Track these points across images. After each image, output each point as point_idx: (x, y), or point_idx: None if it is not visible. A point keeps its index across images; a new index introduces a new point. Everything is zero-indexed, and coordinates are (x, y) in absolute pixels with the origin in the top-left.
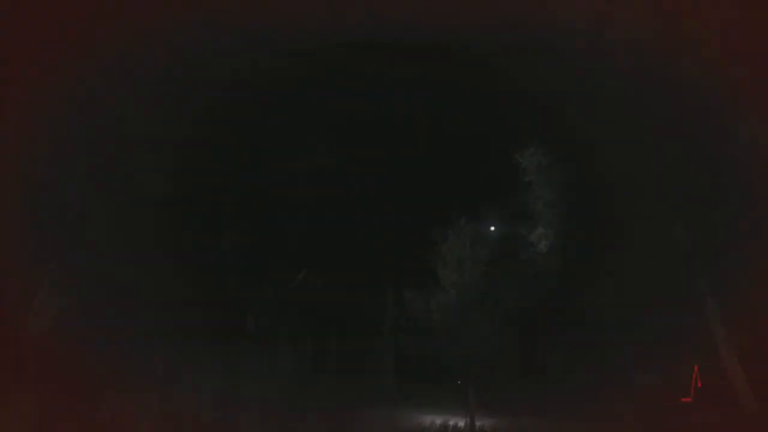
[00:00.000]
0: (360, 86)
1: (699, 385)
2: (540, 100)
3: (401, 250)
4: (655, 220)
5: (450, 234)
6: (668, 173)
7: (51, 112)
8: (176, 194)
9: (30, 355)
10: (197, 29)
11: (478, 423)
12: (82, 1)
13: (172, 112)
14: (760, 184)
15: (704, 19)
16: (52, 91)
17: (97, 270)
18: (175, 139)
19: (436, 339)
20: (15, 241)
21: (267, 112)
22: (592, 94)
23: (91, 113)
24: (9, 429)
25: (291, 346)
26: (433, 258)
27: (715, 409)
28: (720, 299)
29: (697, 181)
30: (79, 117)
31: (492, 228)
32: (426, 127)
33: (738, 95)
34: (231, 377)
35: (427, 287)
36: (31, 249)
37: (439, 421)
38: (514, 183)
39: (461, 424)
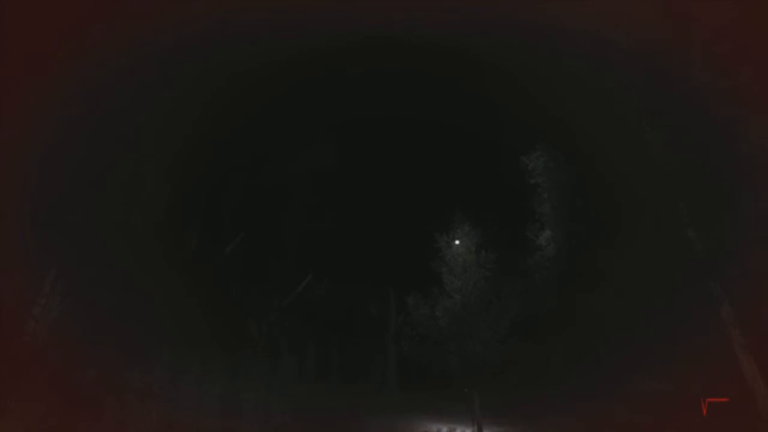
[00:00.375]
0: (365, 87)
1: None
2: (547, 104)
3: (405, 256)
4: (666, 223)
5: (455, 240)
6: (678, 174)
7: (52, 113)
8: (179, 200)
9: (30, 363)
10: (197, 29)
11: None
12: (83, 1)
13: (173, 114)
14: None
15: (708, 20)
16: (52, 91)
17: (98, 277)
18: (177, 143)
19: (441, 345)
20: (16, 248)
21: (271, 114)
22: (597, 94)
23: (92, 115)
24: None
25: (294, 353)
26: (438, 264)
27: (732, 413)
28: (735, 302)
29: (708, 182)
30: (81, 119)
31: (457, 242)
32: (431, 132)
33: (746, 96)
34: (234, 384)
35: (432, 293)
36: (32, 255)
37: (445, 429)
38: (521, 186)
39: None
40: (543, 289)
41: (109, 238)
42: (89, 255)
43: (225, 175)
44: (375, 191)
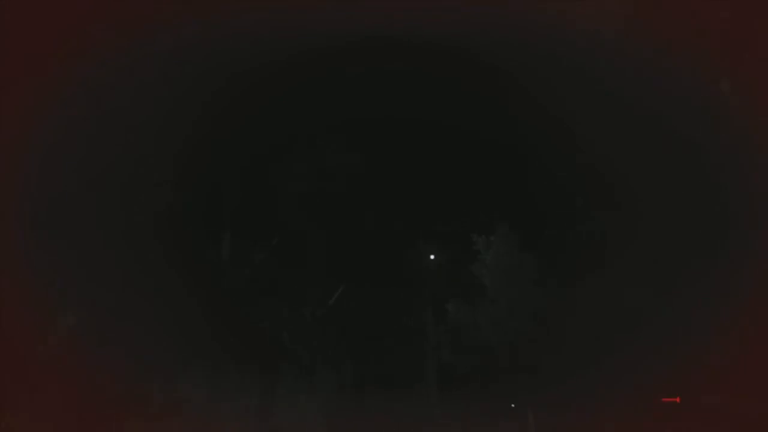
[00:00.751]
0: (365, 87)
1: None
2: (547, 104)
3: (444, 261)
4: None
5: (495, 242)
6: (678, 174)
7: (52, 113)
8: (202, 208)
9: (47, 377)
10: (197, 29)
11: None
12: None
13: (173, 114)
14: None
15: (709, 21)
16: (52, 91)
17: (119, 289)
18: (177, 143)
19: (485, 355)
20: (16, 248)
21: (271, 114)
22: (597, 94)
23: (92, 115)
24: None
25: (329, 366)
26: (479, 267)
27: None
28: None
29: (708, 182)
30: (81, 119)
31: (432, 257)
32: (458, 132)
33: (746, 96)
34: (269, 398)
35: (474, 299)
36: (32, 255)
37: None
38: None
39: None
40: (594, 292)
41: (109, 239)
42: (89, 255)
43: (225, 175)
44: (408, 195)
